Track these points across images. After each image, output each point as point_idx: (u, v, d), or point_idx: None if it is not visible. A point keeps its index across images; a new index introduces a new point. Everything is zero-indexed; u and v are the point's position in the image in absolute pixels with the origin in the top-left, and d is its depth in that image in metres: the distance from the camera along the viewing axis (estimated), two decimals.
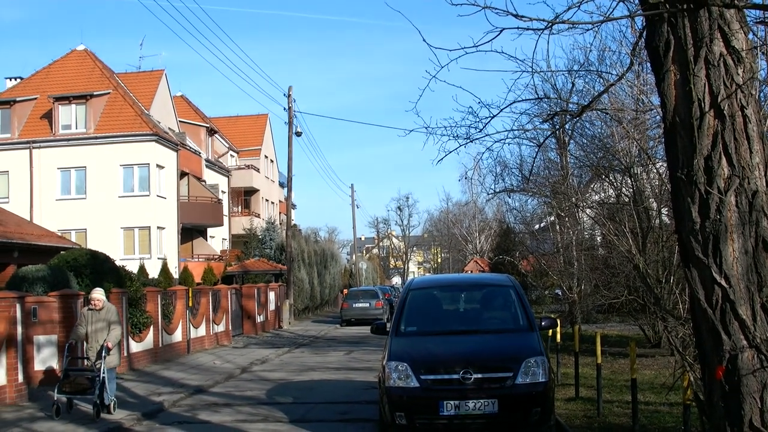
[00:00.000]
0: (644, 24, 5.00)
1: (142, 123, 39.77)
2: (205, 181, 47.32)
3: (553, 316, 16.77)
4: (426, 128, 6.95)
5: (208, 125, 51.94)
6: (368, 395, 14.04)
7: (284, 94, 39.70)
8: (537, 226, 33.72)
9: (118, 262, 21.11)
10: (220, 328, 26.91)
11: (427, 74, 5.86)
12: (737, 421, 4.46)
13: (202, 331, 24.78)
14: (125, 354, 18.06)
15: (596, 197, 22.73)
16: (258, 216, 55.00)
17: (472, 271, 50.15)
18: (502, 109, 6.36)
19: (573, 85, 17.03)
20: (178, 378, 17.39)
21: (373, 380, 14.86)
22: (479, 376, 9.23)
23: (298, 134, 40.71)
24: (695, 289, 4.62)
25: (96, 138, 39.62)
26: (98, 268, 18.80)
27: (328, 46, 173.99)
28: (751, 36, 4.96)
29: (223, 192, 51.45)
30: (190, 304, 23.42)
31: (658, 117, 15.53)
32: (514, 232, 40.43)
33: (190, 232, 45.34)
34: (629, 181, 18.47)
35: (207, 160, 48.72)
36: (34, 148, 39.60)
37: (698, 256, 4.58)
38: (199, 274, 39.01)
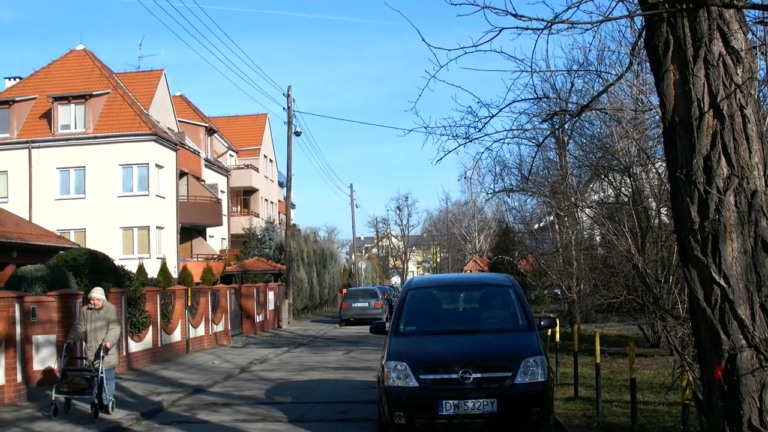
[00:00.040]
0: (643, 24, 5.00)
1: (141, 123, 39.76)
2: (204, 180, 47.32)
3: (552, 315, 16.77)
4: (425, 128, 6.95)
5: (207, 125, 51.94)
6: (367, 395, 14.04)
7: (283, 94, 39.73)
8: (536, 226, 33.73)
9: (117, 262, 21.11)
10: (219, 327, 26.90)
11: (426, 74, 5.86)
12: (736, 420, 4.46)
13: (201, 330, 24.77)
14: (124, 354, 18.06)
15: (595, 197, 22.74)
16: (257, 216, 55.00)
17: (471, 271, 50.15)
18: (501, 109, 6.37)
19: (572, 84, 17.02)
20: (177, 378, 17.38)
21: (372, 380, 14.87)
22: (478, 375, 9.23)
23: (298, 134, 40.72)
24: (694, 289, 4.62)
25: (95, 138, 39.61)
26: (97, 268, 18.80)
27: (327, 46, 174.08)
28: (750, 36, 4.96)
29: (222, 192, 51.45)
30: (189, 304, 23.41)
31: (657, 117, 15.54)
32: (514, 232, 40.43)
33: (190, 232, 45.33)
34: (628, 181, 18.48)
35: (206, 160, 48.72)
36: (33, 147, 39.60)
37: (697, 255, 4.58)
38: (198, 273, 39.00)
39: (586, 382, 13.89)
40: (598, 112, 16.82)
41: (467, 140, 6.75)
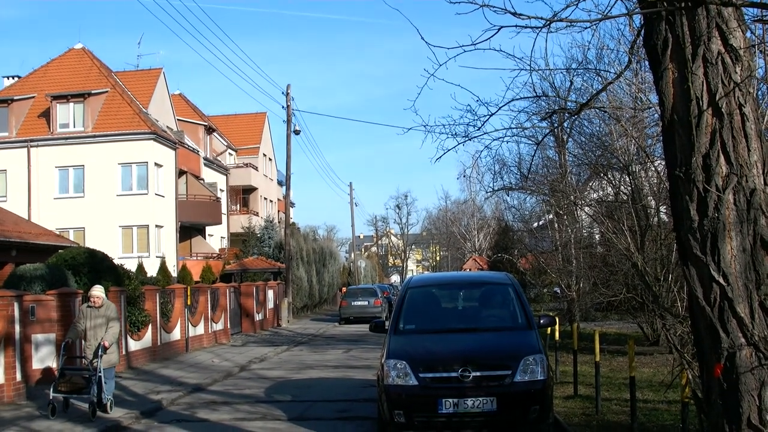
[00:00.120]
0: (642, 22, 5.00)
1: (140, 121, 39.74)
2: (203, 179, 47.31)
3: (551, 314, 16.80)
4: (424, 126, 6.95)
5: (206, 124, 51.92)
6: (367, 393, 14.04)
7: (282, 93, 39.73)
8: (535, 224, 33.75)
9: (116, 261, 21.10)
10: (219, 326, 26.90)
11: (425, 72, 5.87)
12: (735, 418, 4.46)
13: (200, 329, 24.77)
14: (124, 352, 18.05)
15: (595, 195, 22.77)
16: (256, 214, 54.99)
17: (470, 269, 50.17)
18: (500, 107, 6.37)
19: (571, 83, 17.06)
20: (176, 376, 17.39)
21: (372, 378, 14.87)
22: (478, 374, 9.23)
23: (297, 132, 40.72)
24: (693, 287, 4.63)
25: (94, 136, 39.59)
26: (96, 267, 18.78)
27: (326, 45, 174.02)
28: (748, 34, 4.96)
29: (222, 190, 51.44)
30: (189, 303, 23.41)
31: (656, 115, 15.55)
32: (513, 230, 40.48)
33: (189, 231, 45.32)
34: (628, 179, 18.49)
35: (205, 159, 48.70)
36: (32, 146, 39.58)
37: (696, 254, 4.59)
38: (197, 272, 38.98)
39: (586, 380, 13.90)
40: (597, 110, 16.83)
41: (466, 139, 6.75)
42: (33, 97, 41.21)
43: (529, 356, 9.44)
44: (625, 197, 18.89)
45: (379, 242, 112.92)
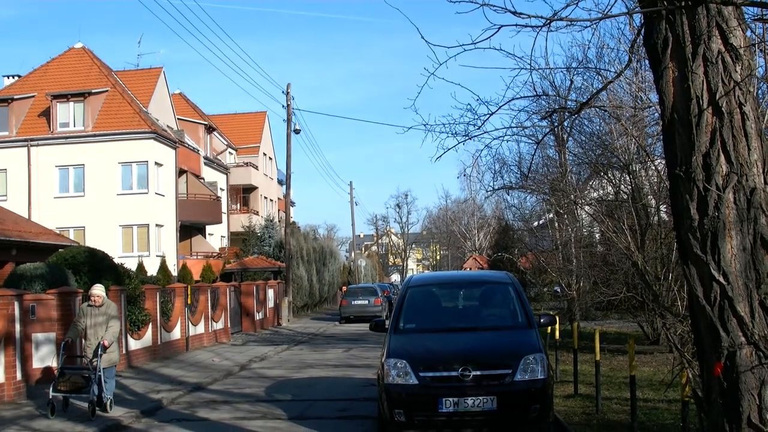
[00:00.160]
0: (642, 21, 5.00)
1: (141, 121, 39.74)
2: (203, 178, 47.31)
3: (551, 313, 16.78)
4: (425, 125, 6.95)
5: (206, 123, 51.91)
6: (367, 392, 14.04)
7: (283, 92, 39.72)
8: (536, 223, 33.72)
9: (116, 260, 21.10)
10: (219, 325, 26.91)
11: (425, 72, 5.86)
12: (735, 417, 4.46)
13: (200, 328, 24.77)
14: (124, 351, 18.05)
15: (595, 194, 22.75)
16: (257, 213, 55.00)
17: (470, 269, 50.16)
18: (500, 106, 6.37)
19: (571, 82, 17.06)
20: (176, 375, 17.39)
21: (372, 377, 14.87)
22: (478, 373, 9.23)
23: (297, 131, 40.71)
24: (694, 286, 4.63)
25: (94, 136, 39.59)
26: (97, 266, 18.79)
27: (326, 45, 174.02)
28: (749, 33, 4.96)
29: (222, 189, 51.43)
30: (189, 302, 23.41)
31: (656, 114, 15.56)
32: (513, 229, 40.48)
33: (189, 230, 45.32)
34: (628, 178, 18.48)
35: (205, 158, 48.70)
36: (32, 146, 39.58)
37: (697, 253, 4.59)
38: (197, 271, 39.00)
39: (586, 379, 13.90)
40: (598, 109, 16.83)
41: (467, 138, 6.75)
42: (33, 96, 41.21)
43: (529, 355, 9.43)
44: (625, 196, 18.88)
45: (380, 241, 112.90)
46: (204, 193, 45.53)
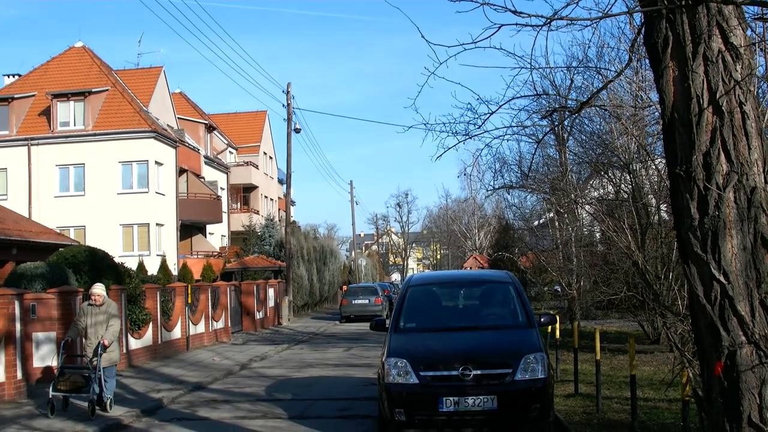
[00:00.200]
0: (642, 20, 5.00)
1: (141, 120, 39.74)
2: (204, 177, 47.31)
3: (552, 312, 16.77)
4: (425, 125, 6.95)
5: (206, 122, 51.90)
6: (367, 392, 14.05)
7: (283, 91, 39.72)
8: (536, 223, 33.71)
9: (117, 259, 21.10)
10: (220, 324, 26.91)
11: (426, 71, 5.86)
12: (736, 417, 4.46)
13: (201, 327, 24.78)
14: (124, 351, 18.05)
15: (595, 194, 22.74)
16: (257, 213, 55.01)
17: (471, 268, 50.15)
18: (501, 106, 6.37)
19: (572, 81, 17.00)
20: (177, 375, 17.40)
21: (373, 377, 14.87)
22: (478, 372, 9.23)
23: (297, 131, 40.71)
24: (694, 286, 4.63)
25: (94, 135, 39.58)
26: (97, 265, 18.79)
27: (326, 44, 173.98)
28: (749, 32, 4.96)
29: (222, 189, 51.43)
30: (189, 301, 23.42)
31: (656, 113, 15.55)
32: (514, 229, 40.49)
33: (189, 229, 45.33)
34: (628, 178, 18.46)
35: (206, 157, 48.70)
36: (32, 145, 39.58)
37: (697, 252, 4.59)
38: (198, 270, 39.01)
39: (586, 378, 13.89)
40: (598, 108, 16.81)
41: (467, 137, 6.75)
42: (33, 95, 41.21)
43: (529, 355, 9.43)
44: (625, 195, 18.88)
45: (380, 241, 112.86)
46: (204, 193, 45.53)
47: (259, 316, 32.95)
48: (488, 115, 6.46)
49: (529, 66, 6.47)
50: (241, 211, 55.13)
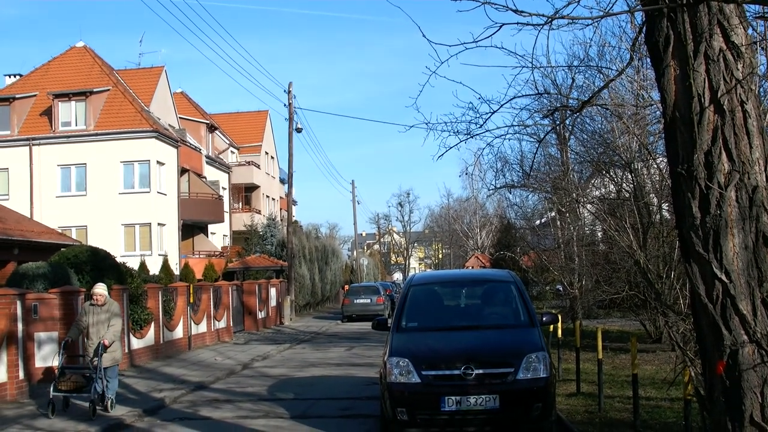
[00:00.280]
0: (644, 19, 4.99)
1: (142, 120, 39.77)
2: (205, 177, 47.33)
3: (554, 311, 16.77)
4: (426, 124, 6.95)
5: (208, 122, 51.93)
6: (369, 391, 14.04)
7: (284, 91, 39.75)
8: (538, 222, 33.71)
9: (118, 259, 21.09)
10: (221, 324, 26.93)
11: (427, 70, 5.86)
12: (738, 416, 4.46)
13: (203, 327, 24.80)
14: (126, 351, 18.06)
15: (597, 193, 22.74)
16: (259, 212, 55.04)
17: (473, 267, 50.16)
18: (502, 105, 6.37)
19: (573, 80, 17.00)
20: (179, 374, 17.41)
21: (375, 376, 14.86)
22: (480, 371, 9.22)
23: (299, 130, 40.72)
24: (696, 285, 4.63)
25: (96, 135, 39.61)
26: (99, 265, 18.80)
27: (328, 43, 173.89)
28: (750, 31, 4.96)
29: (224, 188, 51.46)
30: (191, 301, 23.44)
31: (658, 112, 15.55)
32: (515, 228, 40.45)
33: (191, 229, 45.35)
34: (630, 177, 18.48)
35: (207, 157, 48.72)
36: (33, 145, 39.60)
37: (699, 251, 4.58)
38: (200, 270, 39.03)
39: (588, 377, 13.89)
40: (599, 107, 16.81)
41: (468, 136, 6.76)
42: (35, 95, 41.24)
43: (531, 354, 9.43)
44: (627, 195, 18.88)
45: (382, 240, 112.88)
46: (206, 192, 45.56)
47: (261, 315, 32.97)
48: (490, 114, 6.46)
49: (530, 65, 6.46)
50: (243, 210, 55.18)
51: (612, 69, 15.14)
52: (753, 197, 4.51)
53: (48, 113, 40.35)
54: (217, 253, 46.46)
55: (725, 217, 4.50)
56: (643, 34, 5.10)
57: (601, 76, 16.20)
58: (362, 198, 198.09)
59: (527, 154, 27.26)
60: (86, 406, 12.32)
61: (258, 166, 56.90)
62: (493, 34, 5.05)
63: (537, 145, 19.31)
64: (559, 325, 16.06)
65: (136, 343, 19.27)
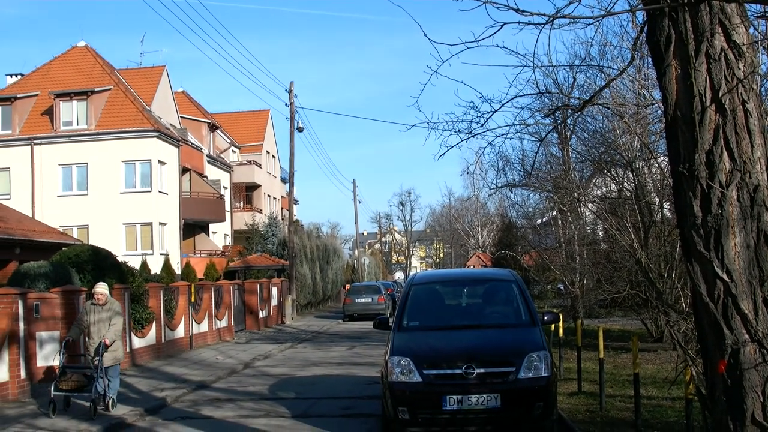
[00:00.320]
0: (645, 18, 4.99)
1: (144, 119, 39.78)
2: (206, 176, 47.35)
3: (555, 310, 16.77)
4: (428, 123, 6.96)
5: (209, 121, 51.94)
6: (371, 390, 14.04)
7: (286, 90, 39.78)
8: (539, 221, 33.69)
9: (120, 258, 21.13)
10: (223, 323, 26.94)
11: (428, 69, 5.87)
12: (739, 415, 4.46)
13: (204, 326, 24.81)
14: (128, 350, 18.06)
15: (598, 192, 22.71)
16: (260, 211, 55.05)
17: (474, 266, 50.15)
18: (503, 104, 6.37)
19: (574, 79, 16.96)
20: (180, 373, 17.41)
21: (376, 375, 14.86)
22: (482, 370, 9.22)
23: (300, 130, 40.73)
24: (697, 284, 4.62)
25: (97, 134, 39.64)
26: (100, 264, 18.82)
27: (329, 43, 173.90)
28: (751, 30, 4.96)
29: (225, 188, 51.47)
30: (193, 300, 23.44)
31: (659, 111, 15.51)
32: (517, 227, 40.43)
33: (192, 228, 45.37)
34: (631, 176, 18.45)
35: (209, 156, 48.73)
36: (35, 144, 39.63)
37: (700, 250, 4.58)
38: (201, 269, 39.03)
39: (590, 377, 13.88)
40: (601, 107, 16.79)
41: (470, 135, 6.76)
42: (36, 95, 41.25)
43: (533, 353, 9.43)
44: (628, 194, 18.85)
45: (383, 239, 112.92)
46: (207, 192, 45.58)
47: (262, 314, 32.98)
48: (491, 113, 6.47)
49: (531, 64, 6.45)
50: (244, 209, 55.19)
51: (613, 68, 15.13)
52: (754, 196, 4.51)
53: (49, 113, 40.37)
54: (219, 252, 46.48)
55: (726, 217, 4.50)
56: (644, 34, 5.10)
57: (603, 75, 16.17)
58: (363, 197, 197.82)
59: (528, 153, 27.25)
60: (87, 405, 12.32)
61: (259, 166, 56.90)
62: (495, 33, 5.05)
63: (538, 145, 19.35)
64: (561, 324, 16.03)
65: (138, 343, 19.28)
